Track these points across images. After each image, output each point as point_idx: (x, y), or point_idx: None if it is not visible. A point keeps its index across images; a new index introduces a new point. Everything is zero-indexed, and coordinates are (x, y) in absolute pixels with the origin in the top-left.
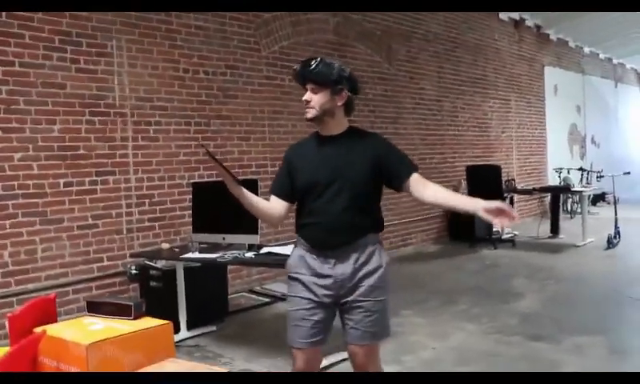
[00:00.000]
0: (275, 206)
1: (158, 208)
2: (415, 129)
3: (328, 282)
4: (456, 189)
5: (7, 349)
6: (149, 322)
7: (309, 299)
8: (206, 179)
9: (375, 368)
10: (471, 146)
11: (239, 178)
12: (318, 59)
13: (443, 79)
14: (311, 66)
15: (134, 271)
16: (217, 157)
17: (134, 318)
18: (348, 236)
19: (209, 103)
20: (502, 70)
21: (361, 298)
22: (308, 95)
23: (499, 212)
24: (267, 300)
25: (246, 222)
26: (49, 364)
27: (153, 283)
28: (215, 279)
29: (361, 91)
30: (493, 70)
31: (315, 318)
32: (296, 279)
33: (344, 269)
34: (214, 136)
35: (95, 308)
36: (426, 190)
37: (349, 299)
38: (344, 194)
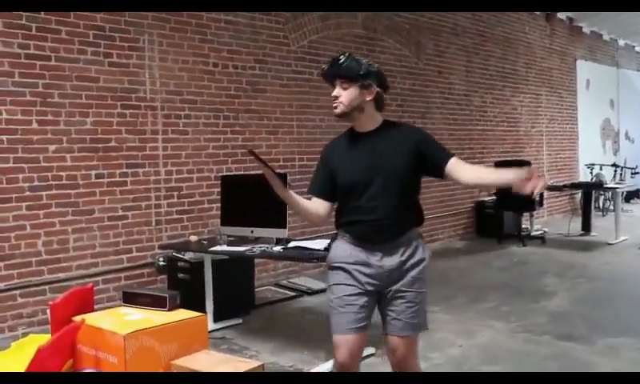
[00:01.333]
0: (317, 206)
1: (186, 201)
2: (443, 124)
3: (374, 271)
4: None
5: (49, 336)
6: (183, 314)
7: (354, 286)
8: (234, 172)
9: (415, 361)
10: (500, 141)
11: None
12: (347, 54)
13: (472, 73)
14: (340, 60)
15: (162, 263)
16: (252, 151)
17: (169, 310)
18: (394, 233)
19: (237, 97)
20: (533, 64)
21: (404, 289)
22: (337, 90)
23: (528, 179)
24: (293, 294)
25: (274, 215)
26: (87, 352)
27: (181, 275)
28: (242, 272)
29: (389, 88)
30: (523, 64)
31: (360, 302)
32: (339, 268)
33: (391, 261)
34: (242, 130)
35: (131, 299)
36: (466, 171)
37: (392, 288)
38: (387, 191)
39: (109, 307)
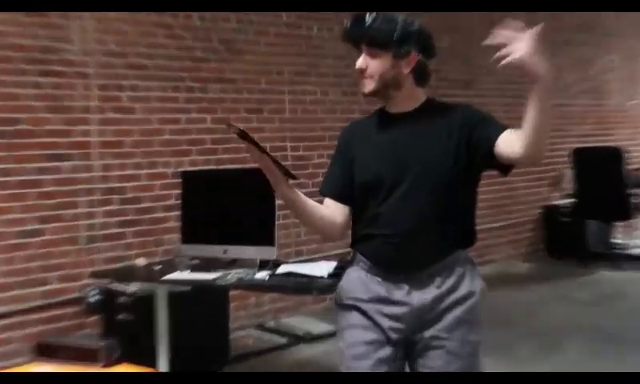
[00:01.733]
0: (333, 212)
1: (131, 208)
2: (497, 96)
3: (399, 310)
4: (556, 182)
5: None
6: (126, 372)
7: (371, 331)
8: (201, 168)
9: None
10: (580, 120)
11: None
12: (374, 13)
13: (537, 23)
14: (365, 21)
15: (94, 298)
16: (242, 130)
17: (104, 366)
18: (429, 254)
19: (206, 61)
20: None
21: (443, 335)
22: (362, 61)
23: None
24: (284, 341)
25: (258, 228)
26: None
27: (122, 315)
28: (212, 310)
29: (435, 53)
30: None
31: (380, 355)
32: (352, 307)
33: (423, 296)
34: (213, 107)
35: (48, 352)
36: (518, 138)
37: (425, 336)
38: (422, 195)
39: (15, 366)
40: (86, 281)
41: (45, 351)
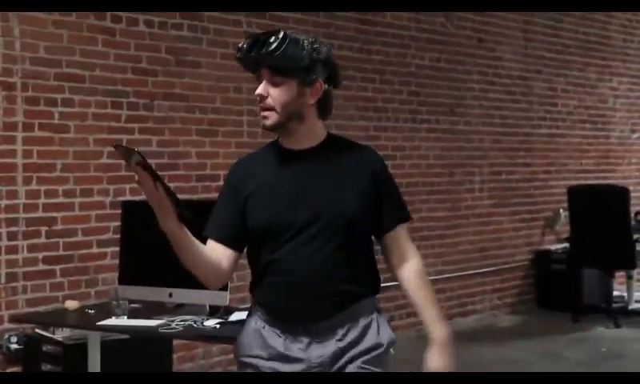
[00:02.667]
0: (218, 255)
1: (61, 242)
2: (484, 124)
3: (297, 367)
4: (550, 223)
5: None
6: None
7: None
8: (144, 197)
9: None
10: (578, 154)
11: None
12: (281, 35)
13: (533, 43)
14: (271, 44)
15: (14, 345)
16: (143, 156)
17: None
18: (331, 304)
19: (152, 73)
20: (635, 30)
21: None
22: (263, 88)
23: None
24: None
25: None
26: None
27: (47, 366)
28: (152, 361)
29: (340, 82)
30: (619, 28)
31: None
32: (249, 365)
33: (322, 350)
34: (159, 127)
35: None
36: (402, 261)
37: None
38: (326, 240)
39: None
40: (5, 325)
41: None
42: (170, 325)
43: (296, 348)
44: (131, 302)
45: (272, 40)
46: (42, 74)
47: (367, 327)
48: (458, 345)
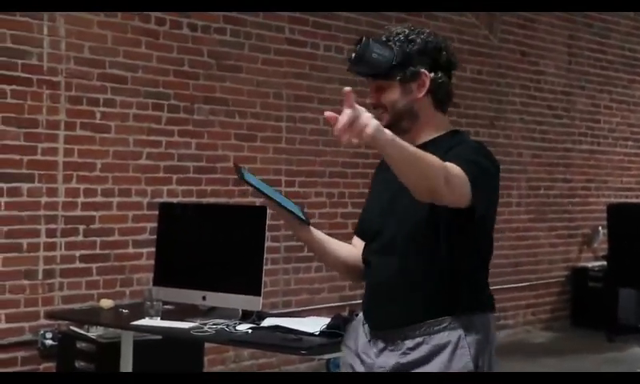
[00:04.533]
0: (359, 252)
1: (98, 240)
2: (524, 138)
3: (362, 369)
4: (588, 241)
5: None
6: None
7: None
8: (181, 199)
9: None
10: (619, 171)
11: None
12: (364, 40)
13: (577, 58)
14: (355, 54)
15: (50, 341)
16: (245, 178)
17: None
18: (404, 314)
19: (194, 77)
20: None
21: None
22: (372, 95)
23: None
24: None
25: (243, 273)
26: None
27: (80, 364)
28: (184, 363)
29: (456, 65)
30: None
31: None
32: (346, 356)
33: (386, 361)
34: (199, 130)
35: None
36: None
37: None
38: (401, 244)
39: None
40: (41, 321)
41: None
42: (202, 328)
43: (372, 352)
44: (165, 303)
45: (356, 49)
46: (86, 73)
47: (440, 349)
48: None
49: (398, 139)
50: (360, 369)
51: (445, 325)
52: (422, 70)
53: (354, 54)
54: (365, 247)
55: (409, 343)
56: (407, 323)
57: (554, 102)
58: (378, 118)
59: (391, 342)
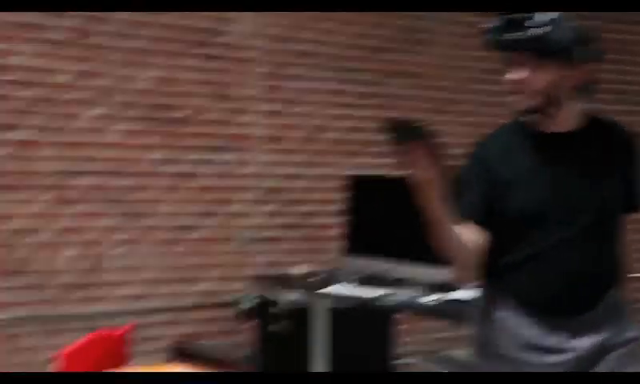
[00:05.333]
0: (477, 239)
1: (295, 210)
2: None
3: (559, 358)
4: None
5: None
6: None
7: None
8: (372, 172)
9: None
10: None
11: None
12: (548, 18)
13: None
14: (530, 25)
15: (248, 304)
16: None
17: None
18: (595, 295)
19: (383, 50)
20: None
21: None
22: (518, 71)
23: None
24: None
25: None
26: None
27: (275, 326)
28: (375, 332)
29: (602, 56)
30: None
31: None
32: (501, 358)
33: (580, 343)
34: (388, 103)
35: (185, 356)
36: None
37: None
38: (590, 235)
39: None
40: (241, 284)
41: (181, 355)
42: (388, 297)
43: (555, 339)
44: (356, 272)
45: (534, 20)
46: (276, 49)
47: (620, 318)
48: None
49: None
50: (544, 361)
51: (616, 297)
52: (581, 60)
53: (533, 21)
54: (517, 236)
55: (601, 322)
56: (591, 308)
57: None
58: (517, 99)
59: (580, 328)
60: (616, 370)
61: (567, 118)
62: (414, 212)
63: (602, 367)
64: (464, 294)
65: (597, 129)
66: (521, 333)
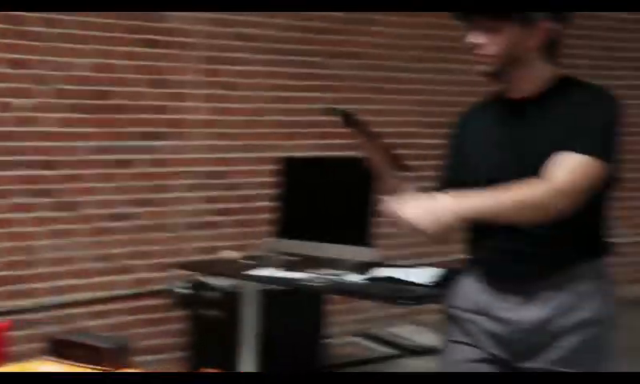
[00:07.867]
0: None
1: (227, 194)
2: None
3: (503, 330)
4: None
5: None
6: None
7: (470, 346)
8: (304, 154)
9: None
10: None
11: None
12: None
13: None
14: None
15: (181, 290)
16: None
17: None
18: (545, 264)
19: (323, 31)
20: None
21: (555, 368)
22: (478, 36)
23: None
24: (392, 352)
25: (359, 226)
26: None
27: (209, 311)
28: (307, 313)
29: (571, 17)
30: None
31: (479, 370)
32: (453, 318)
33: (533, 313)
34: (329, 84)
35: (62, 349)
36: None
37: (531, 366)
38: None
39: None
40: (173, 272)
41: (57, 348)
42: (314, 279)
43: (504, 307)
44: (284, 254)
45: None
46: (217, 33)
47: (586, 295)
48: (633, 313)
49: (474, 204)
50: (490, 328)
51: (586, 270)
52: (544, 18)
53: None
54: None
55: (555, 294)
56: (554, 273)
57: None
58: (478, 63)
59: (531, 296)
60: (570, 364)
61: (533, 81)
62: (341, 193)
63: (552, 354)
64: (390, 272)
65: (564, 90)
66: (477, 299)
